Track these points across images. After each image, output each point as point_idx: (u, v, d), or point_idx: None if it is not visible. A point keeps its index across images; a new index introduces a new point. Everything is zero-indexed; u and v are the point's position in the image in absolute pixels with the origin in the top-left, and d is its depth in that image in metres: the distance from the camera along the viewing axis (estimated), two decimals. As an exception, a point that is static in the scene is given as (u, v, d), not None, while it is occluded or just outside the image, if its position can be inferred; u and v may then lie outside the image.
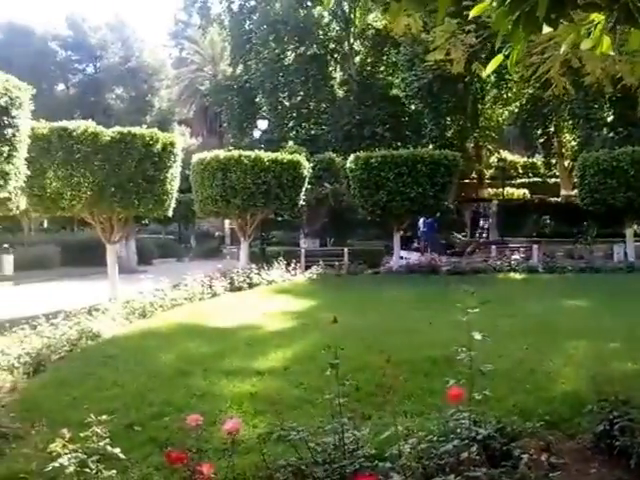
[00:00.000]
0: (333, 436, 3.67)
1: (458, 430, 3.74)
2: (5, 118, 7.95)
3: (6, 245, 22.12)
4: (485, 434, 3.61)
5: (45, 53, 47.37)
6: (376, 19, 36.52)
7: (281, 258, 17.82)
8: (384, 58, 37.56)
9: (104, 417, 3.79)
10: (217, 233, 37.21)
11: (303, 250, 21.87)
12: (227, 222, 31.92)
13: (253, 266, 16.54)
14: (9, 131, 8.08)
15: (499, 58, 2.32)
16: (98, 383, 6.59)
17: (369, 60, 38.61)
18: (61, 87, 51.96)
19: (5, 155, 8.12)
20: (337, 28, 38.83)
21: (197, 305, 12.74)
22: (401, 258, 20.53)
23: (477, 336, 3.63)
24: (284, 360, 7.35)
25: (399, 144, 30.06)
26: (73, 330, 8.80)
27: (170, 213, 14.18)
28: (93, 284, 16.33)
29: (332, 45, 38.80)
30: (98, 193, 12.14)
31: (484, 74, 2.92)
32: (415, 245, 24.39)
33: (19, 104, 8.24)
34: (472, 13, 2.10)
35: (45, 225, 30.37)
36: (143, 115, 45.99)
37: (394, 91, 36.00)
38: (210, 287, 13.99)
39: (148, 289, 12.68)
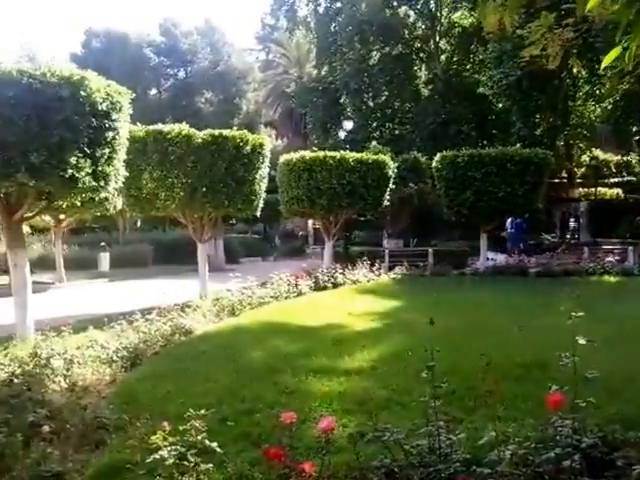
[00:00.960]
0: (427, 439, 3.62)
1: (557, 438, 3.61)
2: (106, 121, 8.31)
3: (103, 243, 23.17)
4: (589, 442, 3.47)
5: (140, 59, 49.31)
6: (463, 17, 35.90)
7: (365, 258, 17.81)
8: (471, 56, 36.87)
9: (202, 412, 3.90)
10: (300, 233, 37.64)
11: (387, 250, 21.78)
12: (310, 222, 32.23)
13: (337, 266, 16.60)
14: (110, 134, 8.44)
15: (616, 51, 2.20)
16: (191, 378, 6.79)
17: (455, 58, 38.00)
18: (154, 92, 53.89)
19: (106, 157, 8.48)
20: (423, 27, 38.44)
21: (283, 303, 12.91)
22: (487, 259, 20.07)
23: (581, 341, 3.49)
24: (371, 360, 7.34)
25: (485, 143, 29.38)
26: (167, 326, 9.11)
27: (258, 213, 14.45)
28: (183, 281, 16.89)
29: (417, 44, 38.42)
30: (190, 194, 12.52)
31: (601, 66, 2.78)
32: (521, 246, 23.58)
33: (119, 108, 8.60)
34: (589, 5, 2.01)
35: (139, 224, 31.63)
36: (231, 118, 47.11)
37: (480, 89, 35.24)
38: (296, 286, 14.15)
39: (236, 287, 12.97)
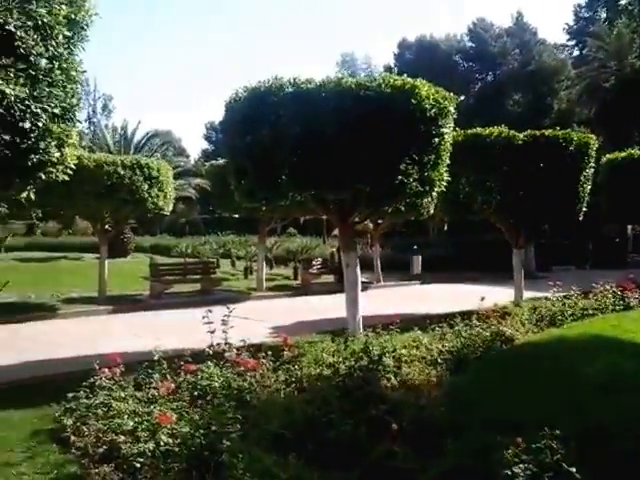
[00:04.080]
0: None
1: None
2: (433, 128, 8.50)
3: (415, 247, 24.00)
4: None
5: (449, 67, 49.94)
6: None
7: None
8: None
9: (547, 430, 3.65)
10: (617, 239, 34.30)
11: None
12: (629, 227, 29.23)
13: (675, 276, 14.63)
14: (436, 140, 8.62)
15: None
16: (519, 388, 6.50)
17: None
18: (461, 97, 54.20)
19: (431, 163, 8.68)
20: None
21: (609, 317, 11.77)
22: None
23: None
24: None
25: None
26: (487, 332, 8.94)
27: (580, 218, 13.48)
28: (491, 287, 16.59)
29: None
30: (508, 197, 12.22)
31: None
32: None
33: (445, 113, 8.73)
34: None
35: (445, 228, 32.05)
36: (541, 118, 45.06)
37: None
38: (622, 299, 12.81)
39: (552, 295, 12.25)
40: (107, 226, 16.66)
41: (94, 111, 64.57)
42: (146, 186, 15.12)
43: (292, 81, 8.19)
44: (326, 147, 7.96)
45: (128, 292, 17.52)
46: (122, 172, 14.72)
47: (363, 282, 19.46)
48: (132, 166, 15.03)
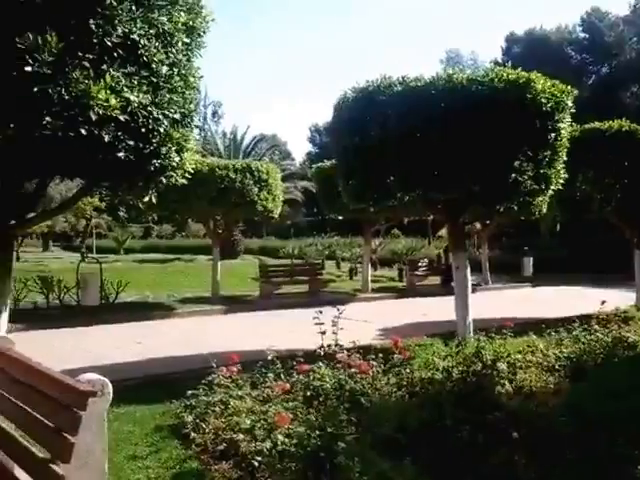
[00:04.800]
0: None
1: None
2: (549, 122, 8.15)
3: (526, 248, 23.18)
4: None
5: (560, 59, 47.62)
6: None
7: None
8: None
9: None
10: None
11: None
12: None
13: None
14: (552, 135, 8.26)
15: None
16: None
17: None
18: (575, 91, 51.69)
19: (547, 160, 8.33)
20: None
21: None
22: None
23: None
24: None
25: None
26: (608, 337, 8.45)
27: None
28: (608, 290, 15.77)
29: None
30: (629, 195, 11.54)
31: None
32: None
33: (562, 108, 8.35)
34: None
35: (557, 228, 30.69)
36: (663, 111, 42.21)
37: None
38: None
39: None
40: (218, 229, 17.23)
41: (205, 118, 67.03)
42: (256, 189, 15.50)
43: (401, 79, 8.08)
44: (435, 146, 7.79)
45: (239, 292, 18.03)
46: (233, 176, 15.17)
47: (472, 284, 19.10)
48: (243, 170, 15.46)
